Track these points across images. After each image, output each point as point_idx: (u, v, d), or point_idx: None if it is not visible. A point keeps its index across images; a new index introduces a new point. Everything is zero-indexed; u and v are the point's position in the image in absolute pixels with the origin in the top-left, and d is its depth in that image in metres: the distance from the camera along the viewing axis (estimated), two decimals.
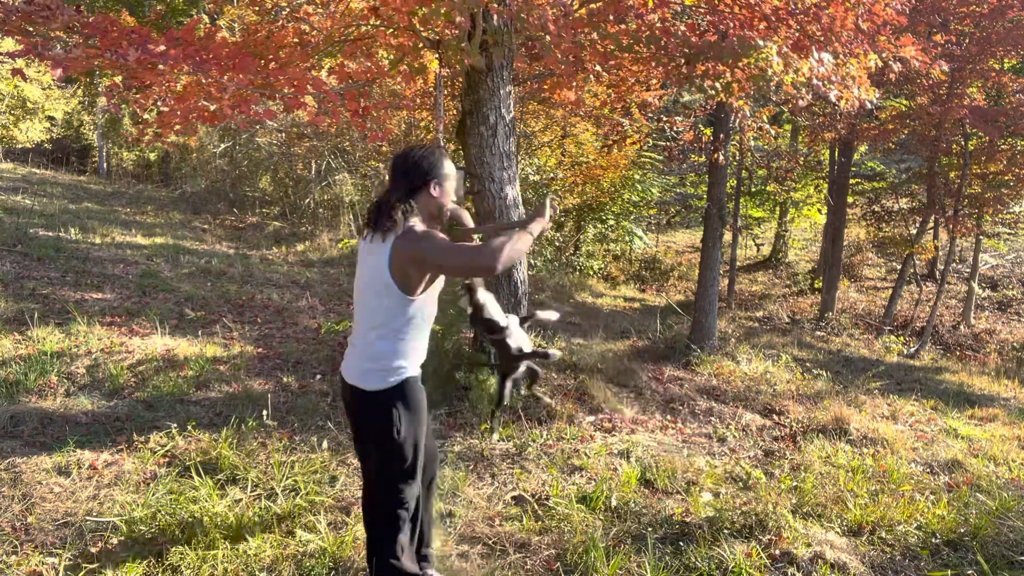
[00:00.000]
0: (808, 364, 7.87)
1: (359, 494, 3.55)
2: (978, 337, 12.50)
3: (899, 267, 13.31)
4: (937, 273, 14.93)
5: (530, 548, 3.18)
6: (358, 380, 2.33)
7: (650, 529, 3.39)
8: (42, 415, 4.08)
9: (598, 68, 5.54)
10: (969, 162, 11.24)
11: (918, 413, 6.16)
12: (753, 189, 16.17)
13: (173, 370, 4.99)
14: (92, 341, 5.23)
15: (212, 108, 4.10)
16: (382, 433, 2.32)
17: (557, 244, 13.12)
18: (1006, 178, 11.44)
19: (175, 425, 4.02)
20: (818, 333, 11.56)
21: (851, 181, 14.43)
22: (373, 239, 2.29)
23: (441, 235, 2.29)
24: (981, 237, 13.12)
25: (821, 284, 14.05)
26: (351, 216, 11.93)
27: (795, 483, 4.01)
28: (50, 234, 8.54)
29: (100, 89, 14.65)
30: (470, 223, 2.70)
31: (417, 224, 2.29)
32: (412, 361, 2.35)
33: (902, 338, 11.60)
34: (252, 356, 5.51)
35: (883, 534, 3.49)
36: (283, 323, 6.66)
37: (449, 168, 2.38)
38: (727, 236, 13.70)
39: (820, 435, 5.01)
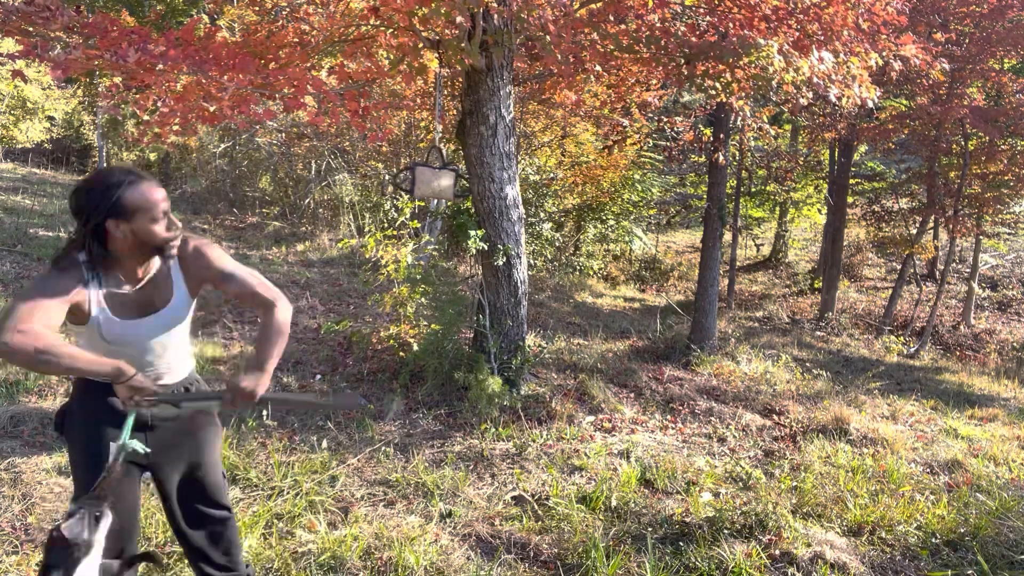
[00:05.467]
0: (808, 364, 7.87)
1: (359, 494, 3.56)
2: (978, 337, 12.49)
3: (899, 267, 13.30)
4: (937, 273, 14.92)
5: (530, 548, 3.18)
6: None
7: (650, 529, 3.39)
8: (42, 415, 4.08)
9: (598, 68, 5.55)
10: (969, 162, 11.23)
11: (918, 413, 6.16)
12: (753, 189, 16.16)
13: None
14: None
15: (212, 108, 4.10)
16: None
17: (557, 244, 13.11)
18: (1006, 178, 11.43)
19: None
20: (818, 333, 11.56)
21: (851, 181, 14.42)
22: None
23: (41, 286, 1.88)
24: (981, 237, 13.10)
25: (821, 284, 14.04)
26: (351, 216, 11.92)
27: (795, 483, 4.01)
28: (50, 234, 8.54)
29: (100, 90, 14.65)
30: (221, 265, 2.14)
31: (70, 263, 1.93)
32: (77, 383, 2.11)
33: (902, 338, 11.59)
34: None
35: (883, 534, 3.49)
36: None
37: (138, 200, 1.89)
38: (727, 236, 13.70)
39: (820, 435, 5.01)
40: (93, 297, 1.96)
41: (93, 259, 1.94)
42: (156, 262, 2.06)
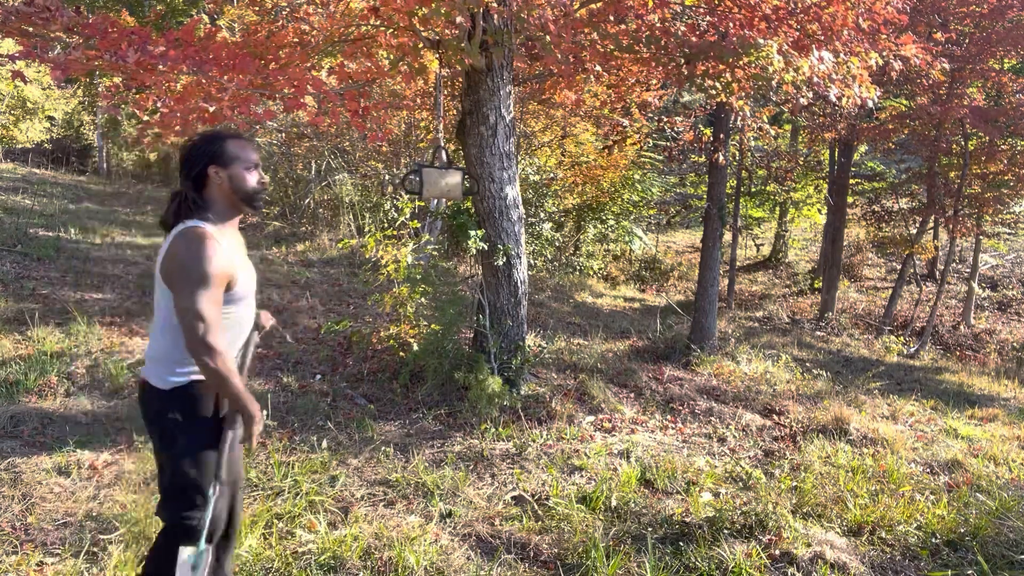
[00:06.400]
0: (808, 364, 7.87)
1: (359, 494, 3.56)
2: (978, 337, 12.48)
3: (899, 267, 13.30)
4: (937, 273, 14.93)
5: (530, 548, 3.18)
6: (147, 373, 2.17)
7: (650, 529, 3.39)
8: (42, 415, 4.08)
9: (598, 68, 5.54)
10: (969, 162, 11.23)
11: (918, 413, 6.16)
12: (753, 189, 16.16)
13: None
14: (92, 341, 5.23)
15: (212, 109, 4.09)
16: (160, 437, 2.14)
17: (557, 244, 13.11)
18: (1006, 178, 11.42)
19: None
20: (818, 333, 11.56)
21: (851, 181, 14.42)
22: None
23: (207, 268, 1.99)
24: (981, 237, 13.10)
25: (821, 284, 14.04)
26: (351, 216, 11.92)
27: (795, 483, 4.01)
28: (50, 234, 8.54)
29: (100, 90, 14.65)
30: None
31: (203, 226, 2.08)
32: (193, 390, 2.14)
33: (902, 338, 11.59)
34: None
35: (883, 534, 3.49)
36: (283, 323, 6.66)
37: (236, 150, 2.15)
38: (727, 236, 13.70)
39: (820, 435, 5.01)
40: (233, 256, 2.12)
41: (203, 212, 2.11)
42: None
